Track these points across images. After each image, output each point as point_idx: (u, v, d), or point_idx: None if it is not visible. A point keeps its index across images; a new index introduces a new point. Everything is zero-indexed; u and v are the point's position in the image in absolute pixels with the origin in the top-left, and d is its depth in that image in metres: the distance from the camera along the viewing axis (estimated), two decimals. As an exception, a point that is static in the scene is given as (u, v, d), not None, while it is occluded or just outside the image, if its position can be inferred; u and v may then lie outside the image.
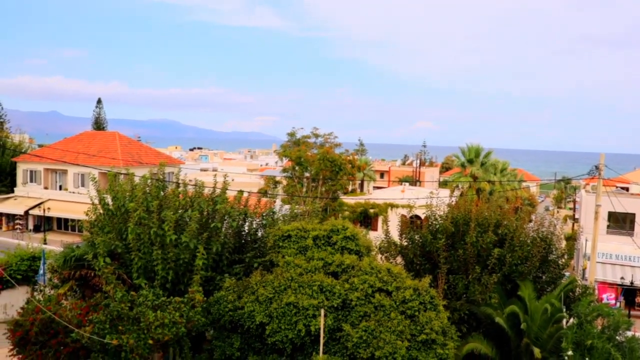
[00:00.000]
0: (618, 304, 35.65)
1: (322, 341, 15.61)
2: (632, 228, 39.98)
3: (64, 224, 55.76)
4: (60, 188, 56.76)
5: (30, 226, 56.54)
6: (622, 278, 36.59)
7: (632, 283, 36.18)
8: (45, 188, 56.88)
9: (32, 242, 33.62)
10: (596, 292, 28.17)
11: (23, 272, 26.46)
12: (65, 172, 55.99)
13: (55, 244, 46.65)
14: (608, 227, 40.55)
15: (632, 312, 35.79)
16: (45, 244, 46.36)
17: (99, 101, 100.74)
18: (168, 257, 17.88)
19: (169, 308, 15.83)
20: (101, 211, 20.57)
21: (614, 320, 16.72)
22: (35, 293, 22.74)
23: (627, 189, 51.05)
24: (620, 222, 40.29)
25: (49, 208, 53.64)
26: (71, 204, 53.09)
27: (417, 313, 15.81)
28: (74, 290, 19.64)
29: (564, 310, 18.68)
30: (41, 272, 23.32)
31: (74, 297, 19.37)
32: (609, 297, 35.00)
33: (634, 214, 40.20)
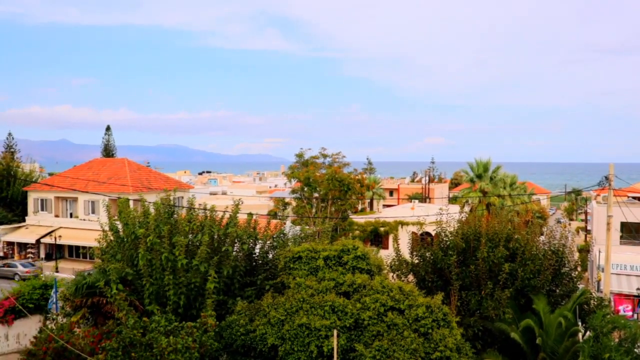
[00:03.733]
0: (635, 315, 35.19)
1: (335, 362, 15.50)
2: (645, 238, 39.63)
3: (75, 252, 55.94)
4: (71, 216, 57.05)
5: (42, 255, 56.78)
6: (638, 289, 36.13)
7: (648, 293, 35.73)
8: (56, 216, 57.18)
9: (44, 271, 33.73)
10: (612, 304, 27.86)
11: (35, 300, 26.50)
12: (75, 199, 56.33)
13: (67, 271, 46.77)
14: (621, 237, 40.20)
15: (650, 324, 35.30)
16: (57, 272, 46.51)
17: (108, 128, 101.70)
18: (179, 281, 17.90)
19: (182, 333, 15.79)
20: (112, 238, 20.66)
21: (631, 333, 16.50)
22: (48, 322, 22.77)
23: (639, 199, 50.64)
24: (633, 232, 39.95)
25: (60, 236, 53.87)
26: (82, 231, 53.29)
27: (430, 331, 15.69)
28: (86, 318, 19.65)
29: (580, 323, 18.47)
30: (53, 300, 23.37)
31: (86, 324, 19.38)
32: (625, 309, 34.57)
33: (647, 224, 39.85)
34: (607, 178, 26.11)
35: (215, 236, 19.69)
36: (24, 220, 58.96)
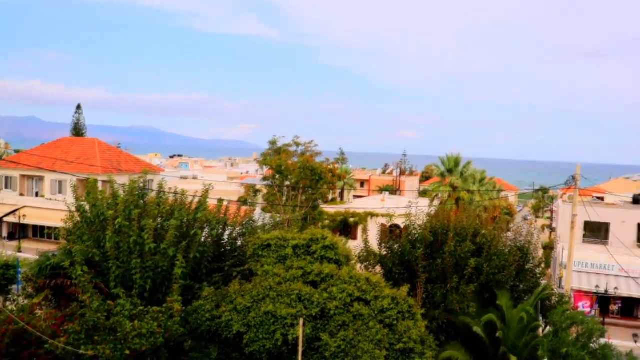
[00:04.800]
0: (593, 311, 36.15)
1: (300, 351, 15.58)
2: (606, 237, 40.65)
3: (40, 232, 54.98)
4: (37, 195, 55.98)
5: (5, 234, 55.67)
6: (597, 286, 37.12)
7: (606, 291, 36.71)
8: (21, 195, 56.05)
9: (6, 251, 33.09)
10: (572, 300, 28.56)
11: (-4, 280, 26.04)
12: (42, 178, 55.27)
13: (31, 252, 45.99)
14: (584, 236, 41.16)
15: (607, 320, 36.31)
16: (19, 252, 45.69)
17: (79, 107, 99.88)
18: (147, 265, 17.73)
19: (147, 318, 15.68)
20: (78, 219, 20.34)
21: (588, 328, 16.98)
22: (8, 303, 22.38)
23: (602, 199, 51.86)
24: (595, 232, 40.93)
25: (24, 215, 52.84)
26: (48, 211, 52.32)
27: (395, 322, 15.87)
28: (49, 300, 19.34)
29: (541, 318, 18.90)
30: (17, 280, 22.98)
31: (48, 306, 19.09)
32: (584, 305, 35.51)
33: (608, 224, 40.88)
34: (573, 178, 26.66)
35: (185, 220, 19.54)
36: (-13, 198, 57.69)
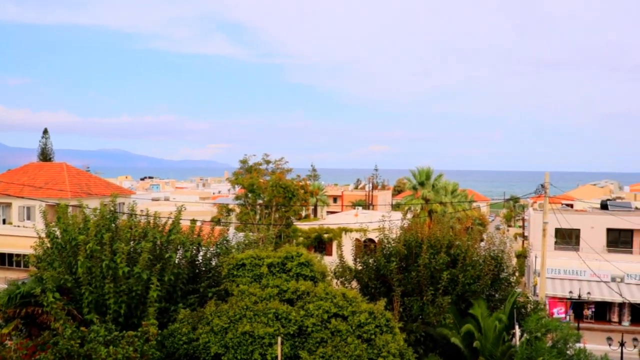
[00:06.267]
0: (568, 317, 36.66)
1: (279, 369, 15.45)
2: (577, 243, 41.42)
3: (9, 260, 53.64)
4: (4, 222, 54.72)
5: (-28, 263, 54.20)
6: (570, 292, 37.71)
7: (579, 296, 37.33)
8: (-12, 222, 54.77)
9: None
10: (547, 307, 28.94)
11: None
12: (9, 205, 54.09)
13: None
14: (556, 243, 41.88)
15: (581, 325, 36.87)
16: (-12, 281, 44.50)
17: (45, 131, 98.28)
18: (120, 290, 17.46)
19: (122, 343, 15.40)
20: (49, 245, 19.97)
21: (563, 334, 17.20)
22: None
23: (571, 206, 52.87)
24: (566, 238, 41.68)
25: (-8, 243, 51.60)
26: (16, 238, 51.16)
27: (373, 336, 15.86)
28: (19, 330, 18.82)
29: (517, 326, 19.11)
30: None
31: (19, 336, 18.56)
32: (559, 312, 35.98)
33: (579, 230, 41.69)
34: (543, 186, 27.18)
35: (158, 243, 19.33)
36: (-48, 227, 56.16)
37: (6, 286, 20.82)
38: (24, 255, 47.09)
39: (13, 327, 18.37)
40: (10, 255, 52.60)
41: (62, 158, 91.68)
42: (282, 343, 15.57)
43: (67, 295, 18.12)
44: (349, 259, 22.54)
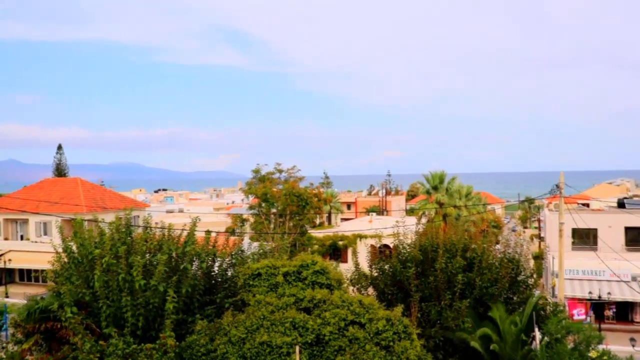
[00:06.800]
0: (588, 318, 36.22)
1: (298, 379, 15.39)
2: (595, 243, 40.96)
3: (27, 276, 54.17)
4: (22, 238, 55.26)
5: (-9, 280, 54.74)
6: (590, 293, 37.26)
7: (599, 297, 36.85)
8: (6, 239, 55.30)
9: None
10: (567, 308, 28.63)
11: (-16, 328, 25.50)
12: (26, 221, 54.64)
13: (18, 296, 45.22)
14: (573, 243, 41.44)
15: (603, 326, 36.37)
16: (6, 297, 44.91)
17: (60, 147, 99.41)
18: (137, 302, 17.52)
19: (141, 356, 15.45)
20: (66, 260, 20.10)
21: (585, 336, 16.96)
22: (-2, 350, 21.90)
23: (587, 205, 52.36)
24: (584, 238, 41.24)
25: (10, 259, 52.06)
26: (34, 254, 51.63)
27: (391, 343, 15.76)
28: (39, 345, 18.95)
29: (536, 329, 18.91)
30: (4, 327, 22.53)
31: (39, 351, 18.70)
32: (579, 313, 35.60)
33: (596, 229, 41.24)
34: (557, 186, 26.94)
35: (174, 255, 19.39)
36: (-29, 245, 56.80)
37: (25, 302, 20.97)
38: (42, 271, 47.46)
39: (33, 342, 18.50)
40: (29, 271, 53.11)
41: (76, 173, 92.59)
42: (300, 352, 15.52)
43: (85, 310, 18.21)
44: (365, 266, 22.46)
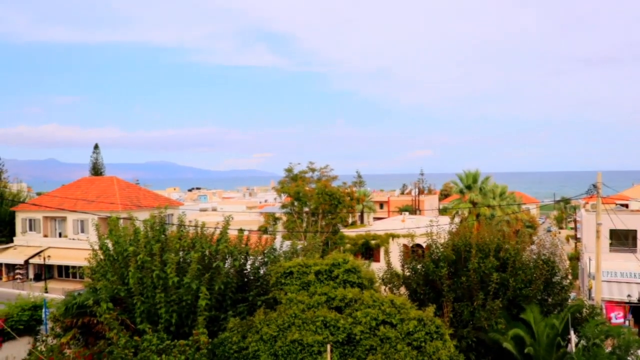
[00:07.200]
0: (627, 322, 35.33)
1: (329, 377, 15.40)
2: (634, 244, 39.90)
3: (65, 272, 55.47)
4: (60, 235, 56.62)
5: (31, 275, 56.20)
6: (629, 295, 36.31)
7: (639, 300, 35.89)
8: (45, 236, 56.74)
9: (33, 292, 33.39)
10: (604, 311, 27.99)
11: (25, 322, 26.20)
12: (64, 219, 55.94)
13: (57, 292, 46.33)
14: (611, 244, 40.44)
15: (642, 330, 35.45)
16: (46, 292, 46.04)
17: (96, 147, 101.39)
18: (171, 299, 17.78)
19: (174, 352, 15.66)
20: (102, 257, 20.52)
21: (624, 340, 16.54)
22: (38, 344, 22.49)
23: (626, 206, 51.04)
24: (622, 239, 40.22)
25: (49, 256, 53.42)
26: (71, 250, 52.91)
27: (423, 344, 15.65)
28: (76, 339, 19.43)
29: (572, 332, 18.53)
30: (44, 321, 23.12)
31: (77, 345, 19.16)
32: (617, 316, 34.71)
33: (635, 231, 40.16)
34: (595, 186, 26.34)
35: (207, 253, 19.61)
36: (12, 241, 58.46)
37: (63, 297, 21.48)
38: (79, 267, 48.53)
39: (71, 336, 18.99)
40: (67, 267, 54.34)
41: (111, 172, 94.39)
42: (331, 351, 15.53)
43: (120, 305, 18.57)
44: (397, 265, 22.34)
